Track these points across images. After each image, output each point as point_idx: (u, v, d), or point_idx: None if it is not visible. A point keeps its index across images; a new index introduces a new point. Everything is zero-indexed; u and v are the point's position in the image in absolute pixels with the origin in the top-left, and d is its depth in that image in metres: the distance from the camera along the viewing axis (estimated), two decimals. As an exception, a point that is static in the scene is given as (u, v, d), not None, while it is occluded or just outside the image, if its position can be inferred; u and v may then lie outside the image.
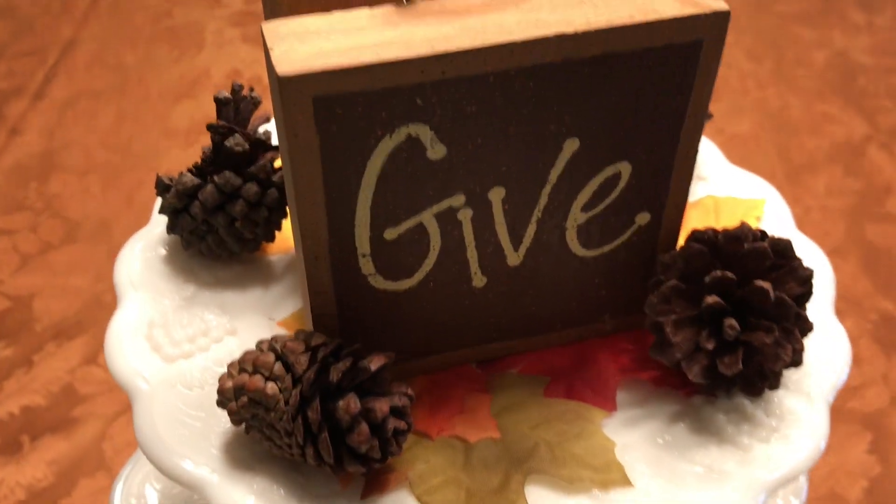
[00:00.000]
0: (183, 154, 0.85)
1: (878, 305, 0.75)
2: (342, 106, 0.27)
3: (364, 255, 0.31)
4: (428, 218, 0.30)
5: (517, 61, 0.27)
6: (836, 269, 0.77)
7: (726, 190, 0.42)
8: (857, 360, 0.69)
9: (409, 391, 0.30)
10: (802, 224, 0.82)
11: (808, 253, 0.39)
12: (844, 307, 0.74)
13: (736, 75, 0.93)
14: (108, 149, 0.85)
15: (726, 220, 0.40)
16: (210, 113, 0.87)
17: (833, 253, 0.78)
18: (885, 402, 0.68)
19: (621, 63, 0.29)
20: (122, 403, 0.65)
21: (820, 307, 0.36)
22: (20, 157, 0.83)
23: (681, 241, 0.34)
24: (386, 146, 0.28)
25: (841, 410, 0.66)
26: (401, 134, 0.28)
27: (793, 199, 0.84)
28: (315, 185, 0.28)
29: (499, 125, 0.29)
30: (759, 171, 0.83)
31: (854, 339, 0.71)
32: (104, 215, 0.79)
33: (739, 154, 0.86)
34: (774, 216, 0.40)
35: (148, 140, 0.87)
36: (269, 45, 0.27)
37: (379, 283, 0.31)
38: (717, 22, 0.29)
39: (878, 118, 0.91)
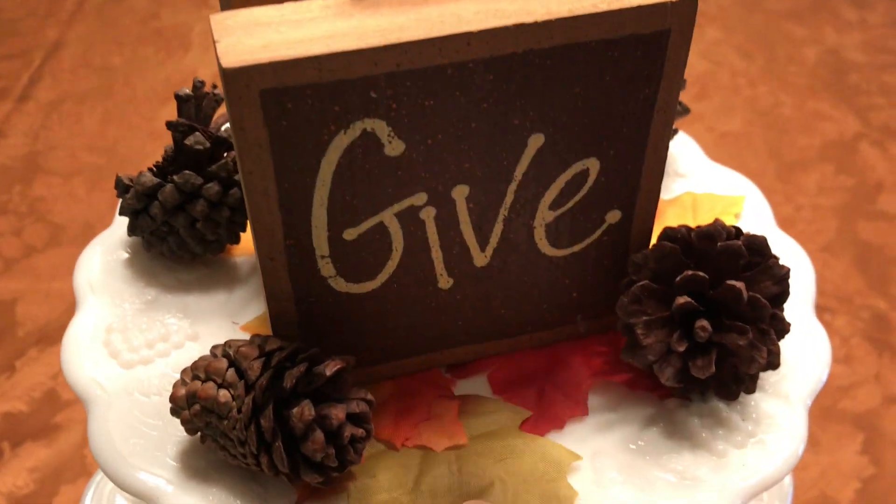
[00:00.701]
0: (168, 156, 0.84)
1: (871, 303, 0.73)
2: (292, 100, 0.26)
3: (323, 257, 0.29)
4: (389, 217, 0.29)
5: (475, 52, 0.26)
6: (829, 266, 0.76)
7: (705, 187, 0.41)
8: (848, 360, 0.68)
9: (369, 396, 0.29)
10: (794, 222, 0.81)
11: (788, 250, 0.38)
12: (836, 305, 0.73)
13: (727, 73, 0.92)
14: (93, 151, 0.84)
15: (704, 218, 0.39)
16: (196, 115, 0.86)
17: (825, 250, 0.77)
18: (877, 401, 0.67)
19: (585, 54, 0.27)
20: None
21: (799, 306, 0.35)
22: (4, 160, 0.82)
23: (654, 240, 0.33)
24: (340, 142, 0.27)
25: (832, 410, 0.65)
26: (356, 129, 0.27)
27: (785, 197, 0.83)
28: (267, 183, 0.27)
29: (459, 120, 0.28)
30: (751, 169, 0.82)
31: (846, 338, 0.70)
32: (89, 218, 0.78)
33: (730, 152, 0.85)
34: (754, 213, 0.39)
35: (134, 142, 0.86)
36: (216, 37, 0.26)
37: (340, 285, 0.30)
38: (684, 10, 0.28)
39: (869, 115, 0.90)
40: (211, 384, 0.27)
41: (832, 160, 0.86)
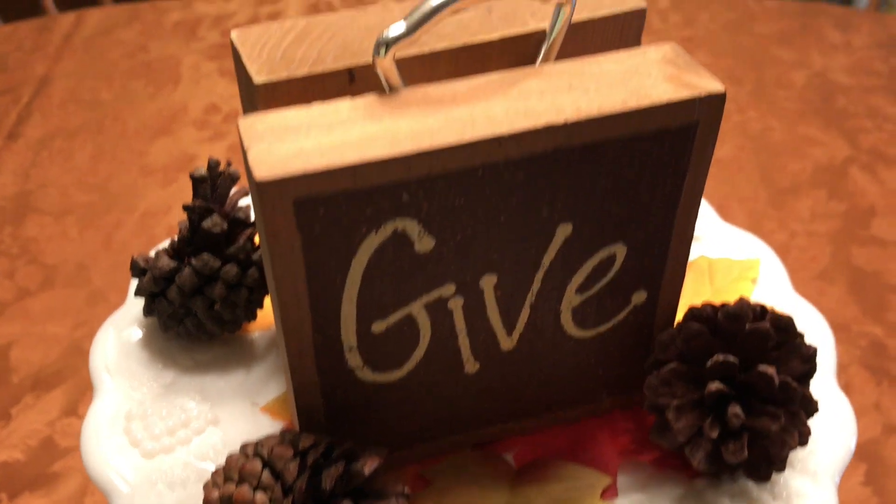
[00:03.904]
0: (162, 192, 0.83)
1: (868, 331, 0.74)
2: (325, 206, 0.25)
3: (350, 349, 0.29)
4: (417, 309, 0.29)
5: (506, 153, 0.26)
6: (824, 295, 0.76)
7: (719, 250, 0.41)
8: (847, 389, 0.68)
9: (406, 490, 0.29)
10: (789, 249, 0.81)
11: (807, 316, 0.38)
12: (833, 334, 0.73)
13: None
14: (85, 189, 0.83)
15: (721, 283, 0.39)
16: (188, 149, 0.85)
17: (820, 278, 0.78)
18: (877, 431, 0.67)
19: (614, 149, 0.27)
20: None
21: (822, 378, 0.35)
22: (-6, 201, 0.81)
23: (679, 315, 0.33)
24: (371, 242, 0.27)
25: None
26: (387, 229, 0.27)
27: (778, 224, 0.83)
28: (298, 285, 0.27)
29: (488, 215, 0.28)
30: (743, 195, 0.82)
31: (844, 367, 0.70)
32: (82, 258, 0.77)
33: (722, 179, 0.85)
34: (770, 277, 0.39)
35: (126, 179, 0.85)
36: (245, 144, 0.25)
37: (367, 375, 0.30)
38: (713, 103, 0.28)
39: (859, 139, 0.91)
40: (246, 487, 0.27)
41: (824, 185, 0.86)
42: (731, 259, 0.40)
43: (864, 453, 0.65)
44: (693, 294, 0.38)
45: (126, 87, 0.93)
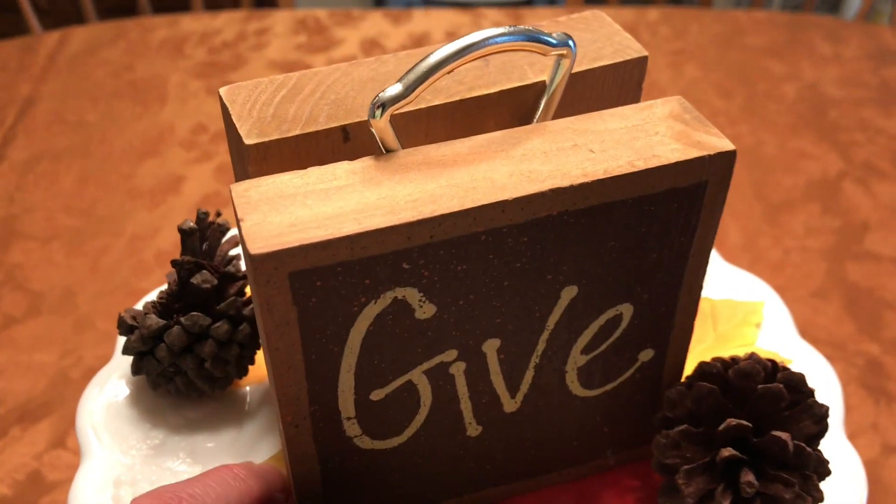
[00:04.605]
0: (149, 216, 0.82)
1: (864, 349, 0.73)
2: (322, 278, 0.24)
3: (349, 419, 0.28)
4: (417, 375, 0.28)
5: (510, 218, 0.25)
6: (820, 312, 0.76)
7: (722, 292, 0.40)
8: (845, 409, 0.68)
9: None
10: (784, 266, 0.81)
11: (812, 364, 0.37)
12: (830, 352, 0.73)
13: (707, 112, 0.92)
14: (71, 213, 0.81)
15: (724, 328, 0.38)
16: (176, 170, 0.84)
17: (816, 296, 0.77)
18: (876, 451, 0.66)
19: (621, 210, 0.26)
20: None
21: (831, 432, 0.34)
22: (-22, 226, 0.79)
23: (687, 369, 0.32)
24: (370, 312, 0.26)
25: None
26: (386, 298, 0.26)
27: (773, 240, 0.82)
28: (294, 356, 0.26)
29: (492, 280, 0.27)
30: (737, 211, 0.81)
31: (841, 386, 0.69)
32: (68, 284, 0.76)
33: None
34: (774, 321, 0.39)
35: (112, 202, 0.84)
36: (239, 214, 0.24)
37: (365, 443, 0.29)
38: (722, 162, 0.27)
39: (851, 152, 0.91)
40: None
41: (817, 200, 0.86)
42: (734, 300, 0.39)
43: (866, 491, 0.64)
44: (696, 340, 0.37)
45: (112, 108, 0.91)
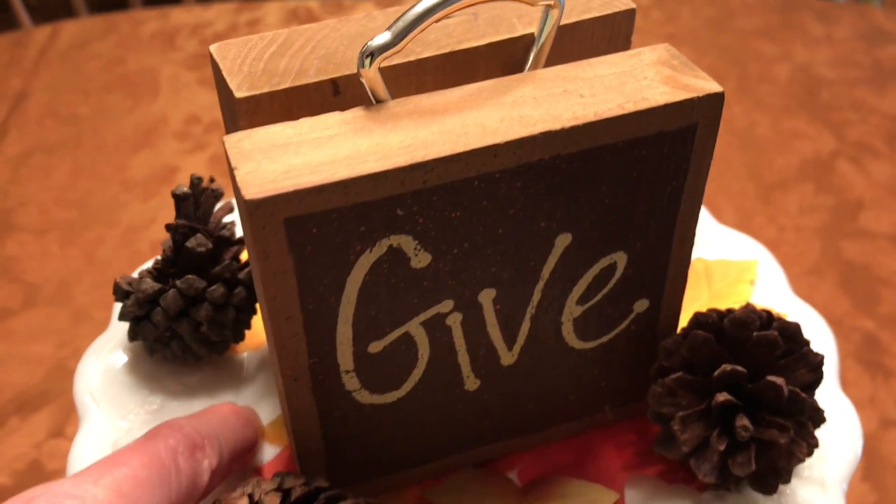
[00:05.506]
0: (143, 207, 0.82)
1: (859, 325, 0.74)
2: (317, 224, 0.24)
3: (347, 372, 0.28)
4: (415, 327, 0.28)
5: (502, 163, 0.25)
6: (816, 290, 0.76)
7: (716, 252, 0.40)
8: (842, 384, 0.68)
9: None
10: (779, 244, 0.81)
11: (807, 319, 0.37)
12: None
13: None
14: (65, 205, 0.81)
15: (719, 286, 0.38)
16: (169, 161, 0.84)
17: (811, 273, 0.77)
18: (874, 426, 0.67)
19: (612, 154, 0.27)
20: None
21: (825, 382, 0.34)
22: (-27, 220, 0.79)
23: (683, 321, 0.33)
24: (366, 260, 0.26)
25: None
26: (382, 246, 0.26)
27: (767, 219, 0.83)
28: (291, 307, 0.26)
29: (486, 228, 0.27)
30: (732, 191, 0.82)
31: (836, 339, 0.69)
32: (64, 276, 0.76)
33: (710, 176, 0.85)
34: (768, 279, 0.39)
35: (106, 194, 0.84)
36: (233, 163, 0.24)
37: (364, 397, 0.29)
38: (711, 104, 0.27)
39: (844, 131, 0.91)
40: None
41: (811, 179, 0.86)
42: (727, 260, 0.40)
43: (862, 449, 0.64)
44: (691, 298, 0.38)
45: (104, 101, 0.91)
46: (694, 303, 0.38)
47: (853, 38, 1.02)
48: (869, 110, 0.93)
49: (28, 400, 0.67)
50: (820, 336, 0.36)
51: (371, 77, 0.26)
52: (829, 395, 0.34)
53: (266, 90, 0.27)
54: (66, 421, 0.65)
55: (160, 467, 0.25)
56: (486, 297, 0.28)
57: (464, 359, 0.30)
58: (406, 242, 0.26)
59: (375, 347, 0.28)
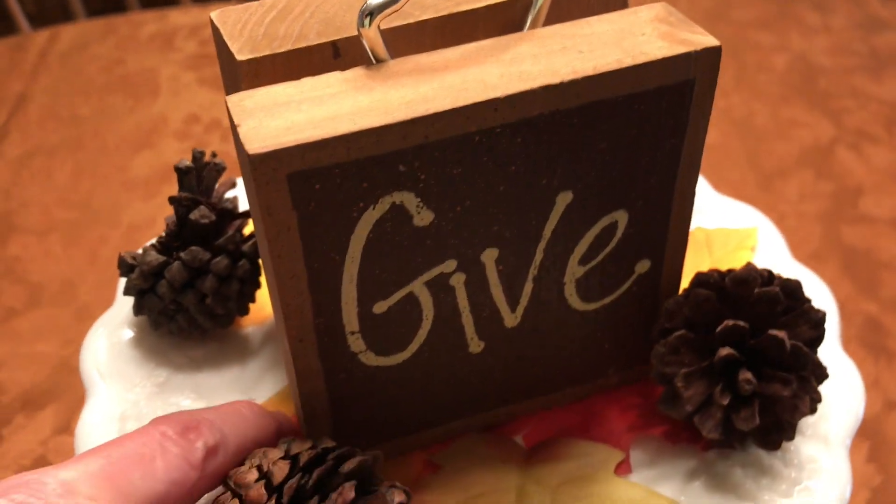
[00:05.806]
0: (145, 206, 0.82)
1: (862, 308, 0.74)
2: (320, 180, 0.25)
3: (353, 333, 0.28)
4: (419, 287, 0.28)
5: (502, 117, 0.26)
6: (817, 274, 0.76)
7: (716, 221, 0.40)
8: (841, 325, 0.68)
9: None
10: (780, 231, 0.81)
11: (808, 283, 0.37)
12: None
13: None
14: (67, 206, 0.82)
15: (719, 254, 0.39)
16: (170, 160, 0.84)
17: (812, 258, 0.77)
18: (878, 407, 0.67)
19: (611, 109, 0.27)
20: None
21: (827, 342, 0.34)
22: (-24, 222, 0.80)
23: (684, 284, 0.33)
24: (370, 217, 0.26)
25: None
26: (385, 203, 0.26)
27: (767, 206, 0.83)
28: (296, 265, 0.26)
29: (487, 185, 0.27)
30: (731, 180, 0.82)
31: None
32: (68, 276, 0.76)
33: (709, 165, 0.85)
34: (768, 245, 0.39)
35: (108, 194, 0.84)
36: (235, 120, 0.25)
37: (370, 359, 0.29)
38: (708, 59, 0.27)
39: (842, 119, 0.91)
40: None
41: (811, 166, 0.86)
42: (727, 228, 0.40)
43: (867, 430, 0.64)
44: (693, 266, 0.38)
45: (104, 102, 0.91)
46: (695, 270, 0.38)
47: (849, 27, 1.03)
48: (867, 97, 0.94)
49: (34, 398, 0.67)
50: (821, 300, 0.36)
51: (371, 37, 0.26)
52: (831, 353, 0.34)
53: (267, 53, 0.27)
54: (71, 418, 0.65)
55: (141, 448, 0.25)
56: (489, 256, 0.29)
57: (468, 320, 0.30)
58: (408, 199, 0.26)
59: (380, 308, 0.28)
